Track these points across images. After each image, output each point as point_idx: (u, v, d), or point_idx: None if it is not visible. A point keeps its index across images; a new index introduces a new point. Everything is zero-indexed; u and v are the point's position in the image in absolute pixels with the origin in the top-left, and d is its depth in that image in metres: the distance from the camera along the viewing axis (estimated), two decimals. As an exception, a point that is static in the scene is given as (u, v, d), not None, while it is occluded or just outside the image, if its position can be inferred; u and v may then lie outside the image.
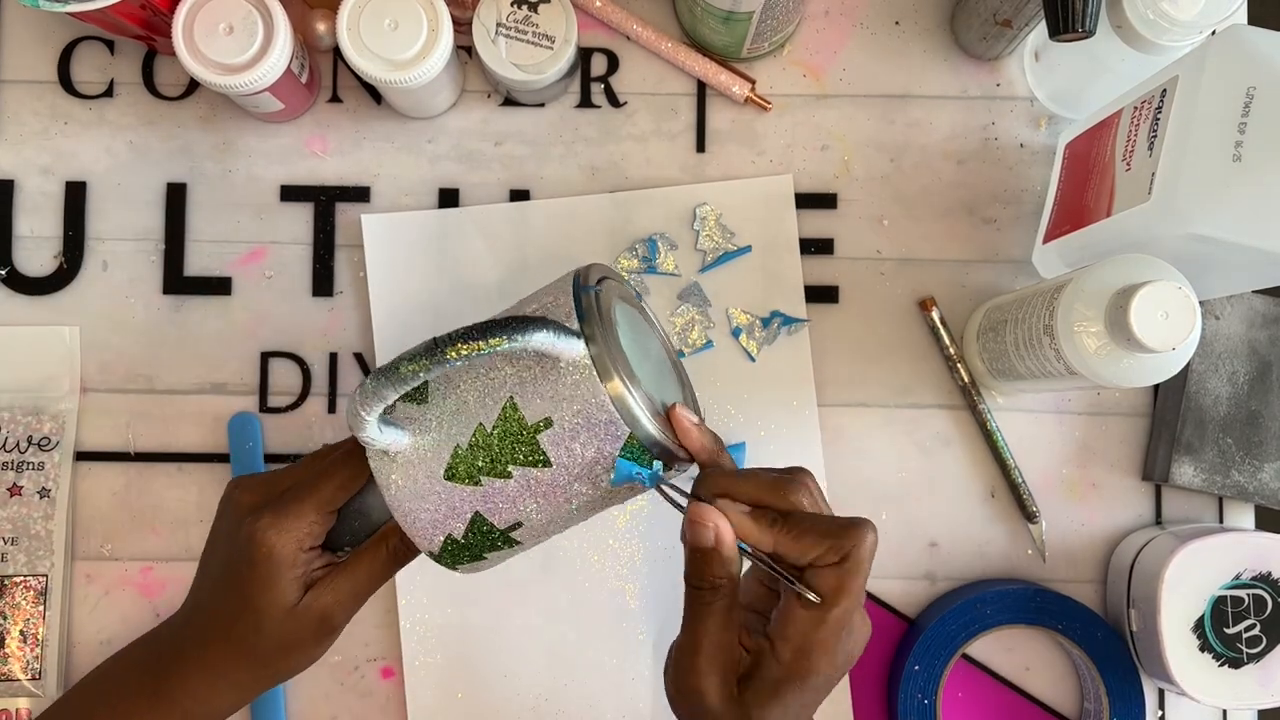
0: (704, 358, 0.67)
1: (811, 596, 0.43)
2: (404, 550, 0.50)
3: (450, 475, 0.47)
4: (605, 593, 0.66)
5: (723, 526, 0.45)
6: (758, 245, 0.67)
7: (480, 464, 0.46)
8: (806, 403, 0.67)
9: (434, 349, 0.43)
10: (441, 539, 0.48)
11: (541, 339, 0.44)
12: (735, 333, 0.67)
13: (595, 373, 0.45)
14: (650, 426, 0.46)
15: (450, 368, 0.44)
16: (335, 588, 0.49)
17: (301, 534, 0.49)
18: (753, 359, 0.67)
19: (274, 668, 0.51)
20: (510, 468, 0.46)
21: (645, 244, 0.67)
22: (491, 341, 0.43)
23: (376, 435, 0.46)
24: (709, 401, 0.66)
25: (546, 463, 0.46)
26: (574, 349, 0.45)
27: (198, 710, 0.51)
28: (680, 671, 0.46)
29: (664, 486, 0.47)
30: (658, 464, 0.47)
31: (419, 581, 0.65)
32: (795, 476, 0.47)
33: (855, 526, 0.44)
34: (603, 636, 0.66)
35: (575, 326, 0.45)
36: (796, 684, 0.44)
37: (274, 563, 0.48)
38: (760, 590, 0.49)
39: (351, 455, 0.49)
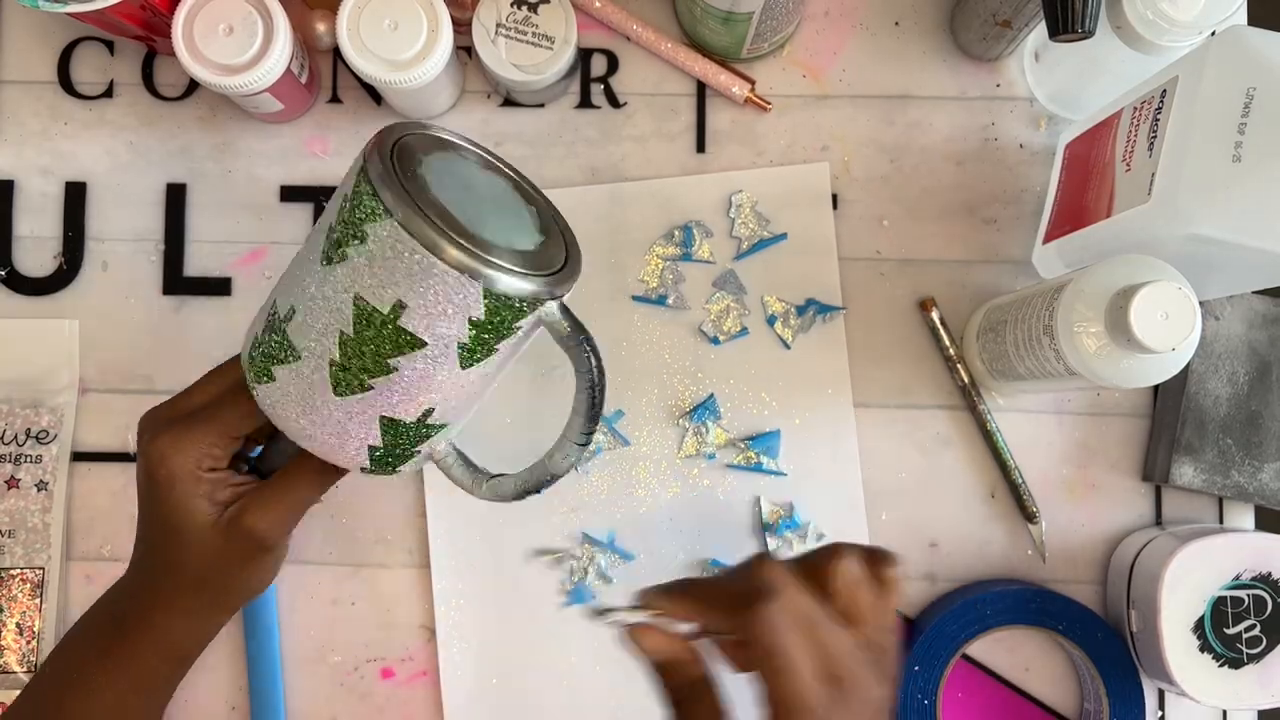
0: (739, 345, 0.67)
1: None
2: (331, 466, 0.49)
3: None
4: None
5: (648, 638, 0.43)
6: (793, 232, 0.67)
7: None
8: (842, 390, 0.67)
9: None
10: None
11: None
12: (770, 320, 0.67)
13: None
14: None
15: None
16: (262, 504, 0.49)
17: (200, 455, 0.49)
18: (788, 346, 0.67)
19: (212, 589, 0.51)
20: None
21: (682, 230, 0.67)
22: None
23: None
24: (744, 390, 0.66)
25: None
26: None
27: (162, 641, 0.51)
28: None
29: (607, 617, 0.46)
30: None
31: (458, 588, 0.65)
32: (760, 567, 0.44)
33: (756, 606, 0.40)
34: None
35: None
36: None
37: (176, 482, 0.49)
38: None
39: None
